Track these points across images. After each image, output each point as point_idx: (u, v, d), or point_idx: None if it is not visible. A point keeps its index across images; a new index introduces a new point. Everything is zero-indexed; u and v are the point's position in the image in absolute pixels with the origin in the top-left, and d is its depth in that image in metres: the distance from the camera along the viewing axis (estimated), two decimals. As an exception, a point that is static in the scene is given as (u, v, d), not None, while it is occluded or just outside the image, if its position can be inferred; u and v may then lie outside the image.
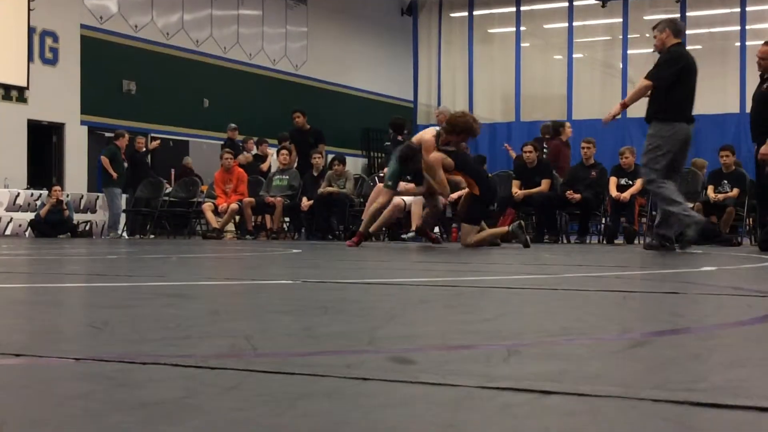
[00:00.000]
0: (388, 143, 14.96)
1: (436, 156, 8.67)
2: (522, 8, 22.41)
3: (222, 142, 17.44)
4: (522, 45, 22.66)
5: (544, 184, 12.51)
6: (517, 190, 12.57)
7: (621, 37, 21.37)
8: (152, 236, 15.33)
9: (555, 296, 3.22)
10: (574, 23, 21.88)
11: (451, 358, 1.62)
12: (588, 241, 12.77)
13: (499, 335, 1.97)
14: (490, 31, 23.54)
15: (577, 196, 12.17)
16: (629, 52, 21.20)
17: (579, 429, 1.06)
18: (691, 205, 12.34)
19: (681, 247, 8.06)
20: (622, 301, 2.96)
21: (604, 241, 12.49)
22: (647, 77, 8.05)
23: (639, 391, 1.24)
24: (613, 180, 12.30)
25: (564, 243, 12.52)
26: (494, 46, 23.58)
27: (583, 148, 12.82)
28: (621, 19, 21.29)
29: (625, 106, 8.52)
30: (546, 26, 22.98)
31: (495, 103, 23.12)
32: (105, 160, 15.31)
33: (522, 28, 22.70)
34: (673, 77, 7.91)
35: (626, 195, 11.97)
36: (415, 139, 9.07)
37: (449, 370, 1.44)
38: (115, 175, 15.09)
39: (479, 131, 9.41)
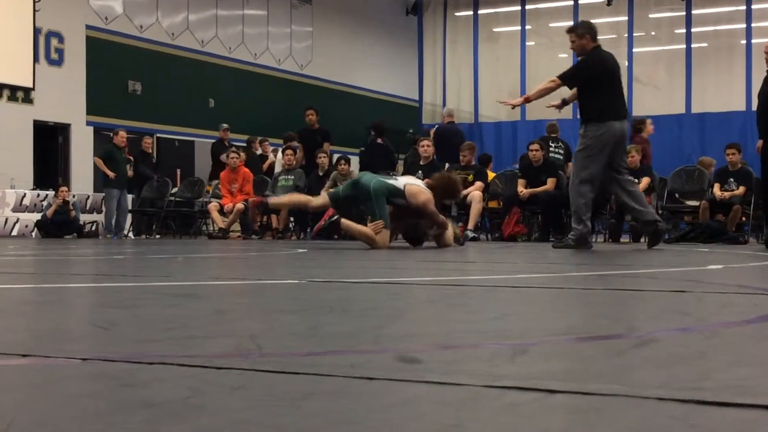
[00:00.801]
0: (363, 148, 14.94)
1: (431, 205, 8.43)
2: (527, 7, 22.39)
3: (213, 141, 17.52)
4: (527, 43, 22.64)
5: (550, 182, 12.50)
6: (522, 189, 12.57)
7: (626, 35, 21.35)
8: (158, 236, 15.35)
9: (560, 295, 3.22)
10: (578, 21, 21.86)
11: (457, 357, 1.62)
12: (594, 240, 12.76)
13: (505, 334, 1.96)
14: (495, 29, 23.52)
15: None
16: (634, 50, 21.18)
17: (585, 428, 1.06)
18: (696, 203, 12.36)
19: (554, 246, 8.44)
20: (627, 300, 2.96)
21: (610, 240, 12.48)
22: (558, 76, 8.35)
23: (645, 389, 1.24)
24: (618, 178, 12.27)
25: (570, 242, 12.49)
26: (499, 45, 23.56)
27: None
28: (626, 18, 21.26)
29: (527, 101, 8.82)
30: (551, 24, 22.95)
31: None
32: (98, 161, 15.29)
33: (527, 27, 22.69)
34: (587, 81, 8.15)
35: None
36: (416, 202, 8.56)
37: (455, 370, 1.44)
38: (112, 174, 15.00)
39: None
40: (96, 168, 17.45)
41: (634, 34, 21.17)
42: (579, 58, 8.53)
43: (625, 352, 1.69)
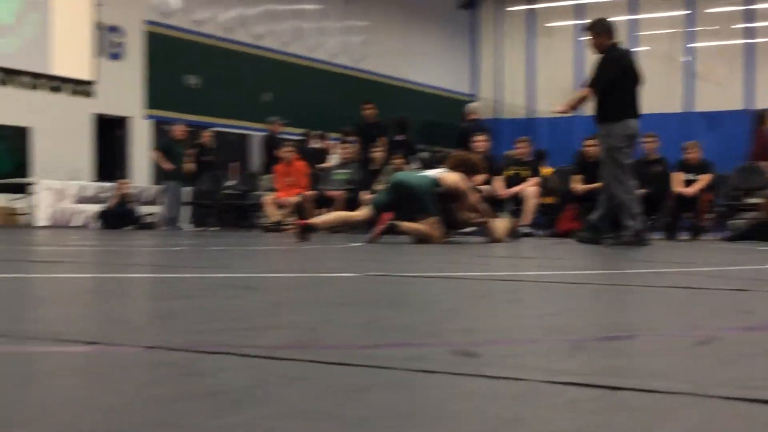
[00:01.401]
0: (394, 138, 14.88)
1: (464, 182, 8.65)
2: (581, 1, 22.19)
3: (265, 133, 17.59)
4: (582, 38, 22.43)
5: (606, 178, 12.36)
6: (577, 185, 12.45)
7: (684, 30, 21.03)
8: (215, 229, 15.50)
9: (619, 292, 3.19)
10: (637, 16, 21.60)
11: (516, 352, 1.62)
12: (651, 237, 12.60)
13: (564, 330, 1.95)
14: (549, 24, 23.35)
15: (640, 191, 12.02)
16: (694, 45, 20.86)
17: (647, 425, 1.05)
18: (757, 200, 12.13)
19: (610, 244, 8.28)
20: (688, 297, 2.92)
21: (668, 237, 12.31)
22: (589, 85, 8.31)
23: (708, 387, 1.23)
24: (678, 175, 12.11)
25: (626, 238, 12.36)
26: (554, 40, 23.38)
27: (645, 142, 12.65)
28: (685, 11, 20.95)
29: (564, 112, 8.70)
30: (608, 19, 22.71)
31: (556, 96, 22.83)
32: (155, 154, 15.47)
33: (582, 21, 22.48)
34: (614, 79, 8.13)
35: (691, 190, 11.79)
36: (452, 184, 8.71)
37: (513, 364, 1.44)
38: (170, 167, 15.17)
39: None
40: (154, 161, 17.67)
41: (693, 29, 20.84)
42: (598, 57, 8.43)
43: (688, 350, 1.67)
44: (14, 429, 0.98)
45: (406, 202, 8.36)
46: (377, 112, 15.02)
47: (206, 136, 16.73)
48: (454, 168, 8.69)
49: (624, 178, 8.31)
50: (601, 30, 8.27)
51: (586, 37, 8.40)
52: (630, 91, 8.22)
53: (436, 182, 8.42)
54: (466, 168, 8.84)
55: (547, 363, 1.46)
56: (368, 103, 15.01)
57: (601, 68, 8.24)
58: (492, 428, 1.02)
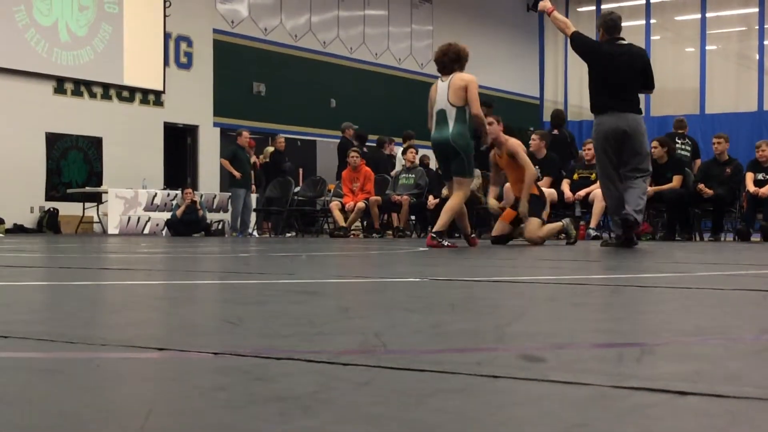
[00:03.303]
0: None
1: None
2: (652, 0, 21.90)
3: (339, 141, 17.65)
4: (652, 38, 22.13)
5: (676, 180, 12.18)
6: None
7: (757, 27, 20.62)
8: (287, 234, 15.65)
9: (689, 295, 3.14)
10: (708, 14, 21.23)
11: (582, 356, 1.61)
12: (722, 238, 12.37)
13: (632, 334, 1.93)
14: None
15: (710, 191, 11.82)
16: (766, 42, 20.43)
17: (717, 431, 1.03)
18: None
19: (601, 245, 8.32)
20: (760, 301, 2.86)
21: (739, 239, 12.08)
22: (574, 32, 8.20)
23: (780, 393, 1.21)
24: (749, 175, 11.88)
25: (697, 241, 12.17)
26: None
27: (715, 143, 12.43)
28: (757, 9, 20.53)
29: (550, 12, 8.36)
30: (677, 18, 22.36)
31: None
32: (224, 162, 15.63)
33: (652, 21, 22.18)
34: (587, 64, 8.10)
35: (765, 190, 11.54)
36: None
37: (580, 369, 1.43)
38: (238, 174, 15.33)
39: None
40: (222, 168, 17.91)
41: (766, 26, 20.41)
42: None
43: (759, 354, 1.64)
44: (87, 432, 1.00)
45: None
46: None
47: (280, 142, 16.84)
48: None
49: (602, 181, 8.17)
50: (600, 24, 8.26)
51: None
52: (604, 85, 7.92)
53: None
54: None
55: (615, 368, 1.45)
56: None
57: (574, 42, 8.20)
58: (557, 433, 1.01)
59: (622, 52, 7.95)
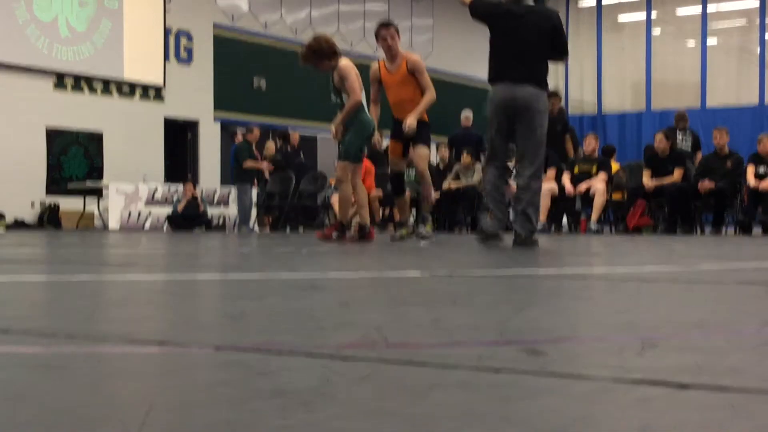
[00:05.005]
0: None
1: None
2: (653, -6, 21.89)
3: None
4: (653, 32, 22.12)
5: (677, 173, 12.17)
6: (648, 181, 12.27)
7: (758, 21, 20.60)
8: (288, 230, 15.64)
9: (690, 288, 3.13)
10: (709, 8, 21.20)
11: (584, 350, 1.60)
12: (724, 232, 12.37)
13: (633, 327, 1.93)
14: (619, 18, 23.05)
15: (711, 185, 11.82)
16: (767, 36, 20.42)
17: (719, 424, 1.03)
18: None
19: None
20: (762, 294, 2.86)
21: (741, 231, 12.07)
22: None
23: (782, 386, 1.20)
24: (750, 168, 11.87)
25: (698, 234, 12.17)
26: (624, 35, 23.09)
27: (716, 137, 12.43)
28: (758, 3, 20.51)
29: None
30: (678, 12, 22.33)
31: (625, 92, 22.65)
32: (250, 163, 15.48)
33: (653, 15, 22.15)
34: (490, 31, 7.23)
35: (766, 184, 11.54)
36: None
37: (582, 363, 1.43)
38: (264, 165, 15.41)
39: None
40: (223, 163, 17.89)
41: (767, 21, 20.40)
42: None
43: (760, 347, 1.64)
44: (85, 429, 1.00)
45: None
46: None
47: (294, 138, 16.79)
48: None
49: (486, 162, 7.25)
50: None
51: None
52: (503, 49, 7.01)
53: None
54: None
55: (616, 361, 1.44)
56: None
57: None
58: (560, 427, 1.01)
59: (527, 11, 7.00)
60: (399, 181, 8.66)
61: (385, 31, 8.18)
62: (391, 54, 8.22)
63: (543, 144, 6.91)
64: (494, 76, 7.03)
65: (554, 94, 13.42)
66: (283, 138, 16.70)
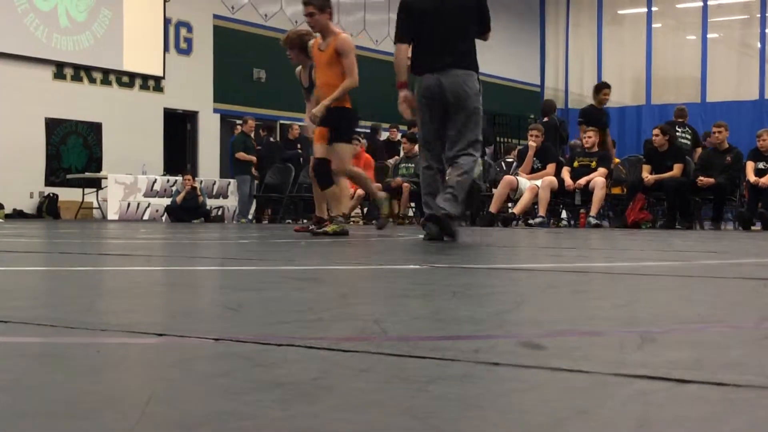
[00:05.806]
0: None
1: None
2: (654, -13, 21.88)
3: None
4: (653, 26, 22.10)
5: (676, 168, 12.17)
6: (647, 175, 12.27)
7: (759, 15, 20.58)
8: (288, 221, 15.64)
9: (689, 283, 3.14)
10: (709, 2, 21.18)
11: (583, 344, 1.60)
12: (723, 227, 12.37)
13: (632, 322, 1.93)
14: (620, 12, 23.02)
15: (710, 180, 11.81)
16: (768, 30, 20.42)
17: (717, 418, 1.03)
18: None
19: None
20: (760, 289, 2.86)
21: (740, 228, 12.08)
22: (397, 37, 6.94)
23: (781, 381, 1.20)
24: (750, 164, 11.87)
25: (697, 229, 12.17)
26: (624, 28, 23.07)
27: (714, 132, 12.42)
28: (759, -3, 20.50)
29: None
30: (679, 6, 22.31)
31: (624, 86, 22.62)
32: (242, 155, 15.57)
33: (653, 9, 22.13)
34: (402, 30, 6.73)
35: (765, 180, 11.54)
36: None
37: (581, 356, 1.43)
38: (254, 159, 15.48)
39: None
40: (222, 154, 17.89)
41: (767, 14, 20.38)
42: None
43: (759, 342, 1.64)
44: (84, 419, 1.00)
45: None
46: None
47: (295, 130, 16.81)
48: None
49: (420, 152, 6.81)
50: None
51: None
52: (429, 40, 6.64)
53: None
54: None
55: (615, 355, 1.45)
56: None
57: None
58: (558, 420, 1.01)
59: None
60: (324, 170, 7.84)
61: (304, 8, 7.87)
62: (317, 32, 7.89)
63: (479, 124, 6.57)
64: (419, 69, 6.67)
65: (606, 86, 13.49)
66: (268, 130, 16.71)
